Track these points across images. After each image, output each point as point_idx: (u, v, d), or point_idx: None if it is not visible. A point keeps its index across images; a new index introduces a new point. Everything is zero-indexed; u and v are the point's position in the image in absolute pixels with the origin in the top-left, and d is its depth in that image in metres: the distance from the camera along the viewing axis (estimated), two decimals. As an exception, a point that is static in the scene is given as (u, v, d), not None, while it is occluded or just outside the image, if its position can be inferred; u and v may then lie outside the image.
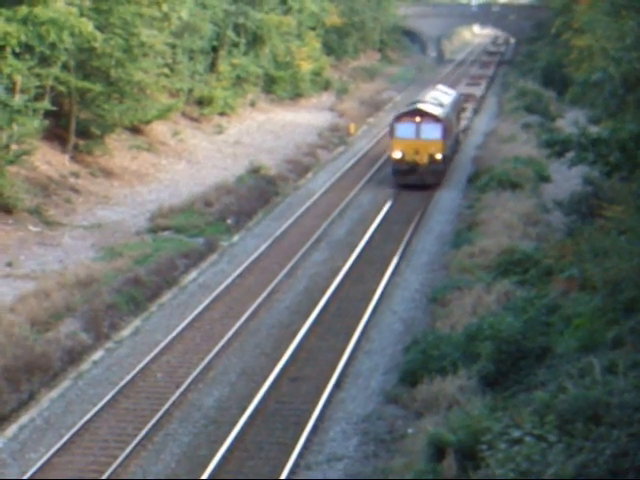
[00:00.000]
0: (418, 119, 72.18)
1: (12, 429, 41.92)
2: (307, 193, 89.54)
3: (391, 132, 77.21)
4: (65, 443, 41.20)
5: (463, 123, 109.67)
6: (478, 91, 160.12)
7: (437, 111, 77.35)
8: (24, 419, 42.92)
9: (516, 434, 34.09)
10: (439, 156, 72.69)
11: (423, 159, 72.43)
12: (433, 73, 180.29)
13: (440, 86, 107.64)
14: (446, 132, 75.37)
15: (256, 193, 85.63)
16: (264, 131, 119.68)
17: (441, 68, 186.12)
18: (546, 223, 67.04)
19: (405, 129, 72.82)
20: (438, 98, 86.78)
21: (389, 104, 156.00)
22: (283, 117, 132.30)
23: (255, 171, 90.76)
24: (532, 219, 69.80)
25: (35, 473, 38.88)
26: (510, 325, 43.57)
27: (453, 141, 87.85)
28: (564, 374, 37.59)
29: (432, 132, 72.96)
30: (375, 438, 42.11)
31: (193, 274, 63.61)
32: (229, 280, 62.03)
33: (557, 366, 39.33)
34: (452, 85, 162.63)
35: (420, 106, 77.53)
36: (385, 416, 43.93)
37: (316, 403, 45.43)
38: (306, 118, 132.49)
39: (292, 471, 39.54)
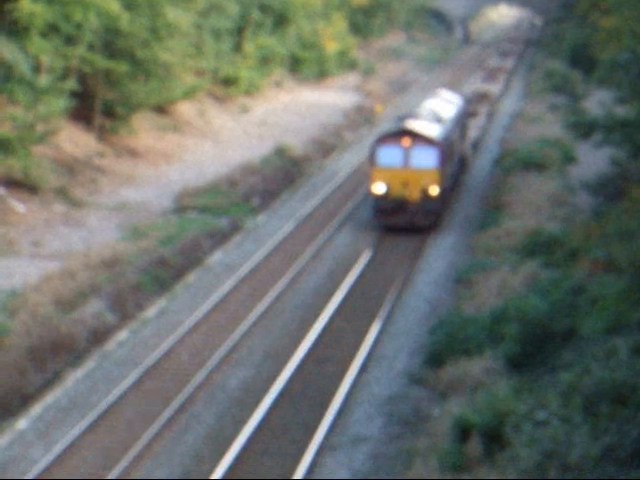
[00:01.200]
0: (407, 142, 57.85)
1: (37, 409, 41.94)
2: (332, 174, 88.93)
3: (371, 158, 60.58)
4: (90, 423, 41.31)
5: (472, 135, 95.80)
6: (495, 89, 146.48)
7: (433, 131, 61.26)
8: (49, 399, 42.92)
9: (541, 416, 34.16)
10: (435, 191, 58.50)
11: (413, 195, 58.18)
12: (459, 54, 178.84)
13: (443, 92, 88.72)
14: (445, 158, 59.83)
15: (281, 173, 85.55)
16: (290, 111, 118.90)
17: (467, 49, 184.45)
18: (572, 204, 65.95)
19: (390, 155, 58.34)
20: (437, 111, 71.41)
21: (415, 85, 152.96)
22: (309, 97, 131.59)
23: (280, 151, 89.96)
24: (558, 200, 68.76)
25: (60, 453, 39.07)
26: (536, 307, 43.60)
27: (456, 166, 73.98)
28: (590, 356, 37.64)
29: (426, 159, 58.71)
30: (400, 419, 42.23)
31: (218, 254, 63.56)
32: (254, 261, 61.93)
33: (583, 348, 39.34)
34: (471, 68, 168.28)
35: (410, 125, 60.42)
36: (410, 397, 43.87)
37: (341, 384, 45.73)
38: (332, 98, 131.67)
39: (317, 452, 39.70)
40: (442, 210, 61.50)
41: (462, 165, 79.91)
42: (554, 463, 30.62)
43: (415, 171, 57.02)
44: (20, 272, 56.17)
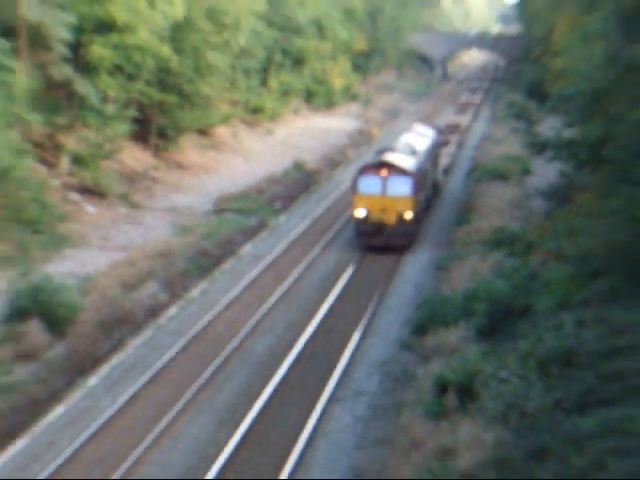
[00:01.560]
0: (385, 173, 56.78)
1: (105, 369, 42.68)
2: (338, 183, 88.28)
3: (354, 187, 58.54)
4: (147, 380, 42.17)
5: (444, 161, 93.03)
6: (465, 120, 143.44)
7: (407, 163, 59.40)
8: (114, 361, 43.63)
9: (504, 375, 34.62)
10: (409, 215, 57.08)
11: (390, 219, 56.89)
12: (439, 88, 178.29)
13: (417, 126, 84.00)
14: (417, 186, 58.08)
15: (298, 183, 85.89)
16: (304, 134, 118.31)
17: (445, 84, 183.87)
18: (529, 208, 65.79)
19: (370, 184, 57.35)
20: (411, 144, 68.47)
21: (404, 113, 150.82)
22: (320, 123, 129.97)
23: (297, 166, 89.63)
24: (517, 204, 69.26)
25: (123, 404, 40.14)
26: (499, 288, 44.79)
27: (429, 191, 71.64)
28: (542, 328, 38.05)
29: (401, 188, 57.38)
30: (392, 377, 43.09)
31: (248, 247, 64.13)
32: (277, 252, 62.52)
33: (537, 321, 39.79)
34: (449, 99, 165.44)
35: (387, 158, 58.90)
36: (400, 360, 44.70)
37: (345, 350, 46.66)
38: (338, 123, 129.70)
39: (327, 402, 40.91)
40: (415, 231, 60.10)
41: (435, 190, 78.01)
42: (514, 412, 31.05)
43: (391, 198, 55.94)
44: (91, 261, 57.19)
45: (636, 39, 35.14)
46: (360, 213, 57.00)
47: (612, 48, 39.55)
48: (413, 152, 63.71)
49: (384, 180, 55.80)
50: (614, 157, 36.83)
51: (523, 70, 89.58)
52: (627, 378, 28.19)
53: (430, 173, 70.31)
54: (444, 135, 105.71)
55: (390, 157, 59.18)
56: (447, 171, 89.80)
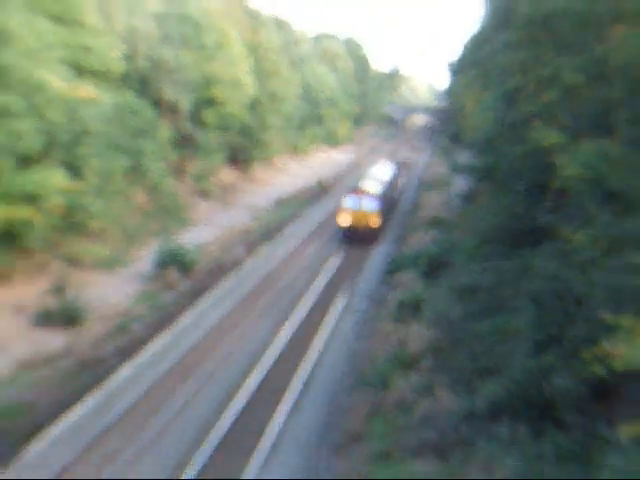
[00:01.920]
0: (360, 194, 56.65)
1: (212, 294, 43.12)
2: (341, 188, 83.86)
3: (340, 205, 58.20)
4: (236, 302, 42.32)
5: (402, 181, 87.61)
6: (414, 156, 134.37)
7: (375, 189, 58.99)
8: (215, 292, 43.76)
9: (436, 298, 35.90)
10: (376, 224, 57.06)
11: (362, 225, 56.99)
12: (400, 135, 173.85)
13: (383, 161, 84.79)
14: (382, 204, 57.67)
15: (320, 190, 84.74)
16: (323, 162, 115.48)
17: (403, 133, 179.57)
18: (451, 205, 64.63)
19: (351, 202, 56.40)
20: (378, 174, 68.09)
21: (381, 149, 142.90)
22: (331, 155, 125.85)
23: (319, 182, 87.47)
24: (444, 203, 68.94)
25: (224, 313, 40.19)
26: (434, 250, 45.48)
27: (390, 205, 68.22)
28: (458, 272, 38.90)
29: (370, 205, 56.65)
30: (374, 301, 43.51)
31: (290, 227, 63.59)
32: (307, 230, 62.55)
33: (455, 269, 40.67)
34: (405, 142, 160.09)
35: (362, 185, 58.85)
36: (379, 291, 45.29)
37: (344, 286, 46.30)
38: (342, 156, 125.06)
39: (338, 318, 40.61)
40: (379, 232, 59.03)
41: (394, 204, 74.75)
42: (442, 319, 32.10)
43: (364, 212, 56.10)
44: (203, 235, 57.29)
45: (512, 110, 35.88)
46: (343, 222, 56.95)
47: (498, 114, 40.32)
48: (380, 180, 63.73)
49: (359, 200, 55.93)
50: (497, 176, 37.75)
51: (448, 126, 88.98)
52: (506, 299, 29.14)
53: (390, 194, 68.26)
54: (401, 166, 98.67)
55: (364, 184, 59.53)
56: (401, 192, 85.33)
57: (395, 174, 77.06)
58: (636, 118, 22.40)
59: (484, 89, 57.42)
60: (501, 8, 40.15)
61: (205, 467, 24.65)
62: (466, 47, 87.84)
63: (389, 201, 66.82)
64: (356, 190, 57.87)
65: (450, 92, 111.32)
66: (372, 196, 57.47)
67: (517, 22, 34.88)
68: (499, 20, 42.50)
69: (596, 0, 27.17)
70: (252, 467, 24.74)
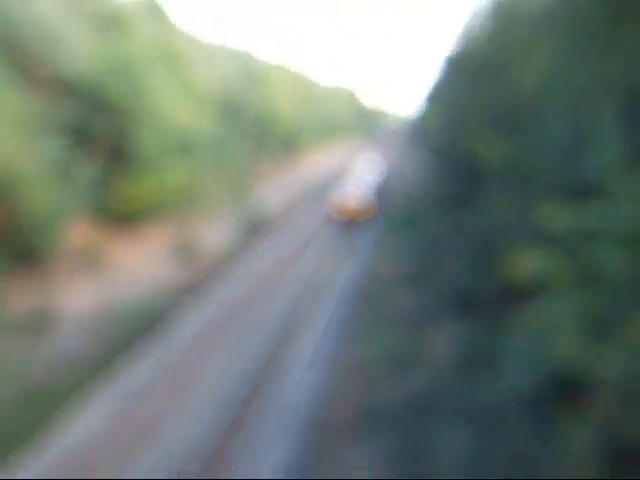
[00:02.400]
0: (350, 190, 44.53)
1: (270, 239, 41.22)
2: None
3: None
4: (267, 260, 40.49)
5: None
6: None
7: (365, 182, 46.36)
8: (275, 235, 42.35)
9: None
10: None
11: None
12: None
13: (371, 155, 70.19)
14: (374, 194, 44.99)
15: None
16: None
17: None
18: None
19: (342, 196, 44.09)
20: (366, 169, 53.10)
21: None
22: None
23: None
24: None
25: (252, 258, 37.88)
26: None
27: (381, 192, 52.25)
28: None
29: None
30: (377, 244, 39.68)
31: None
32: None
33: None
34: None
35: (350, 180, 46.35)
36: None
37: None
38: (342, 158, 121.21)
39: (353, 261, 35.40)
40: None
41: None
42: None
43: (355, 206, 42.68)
44: (268, 201, 53.26)
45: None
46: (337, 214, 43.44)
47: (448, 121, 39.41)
48: (369, 174, 48.95)
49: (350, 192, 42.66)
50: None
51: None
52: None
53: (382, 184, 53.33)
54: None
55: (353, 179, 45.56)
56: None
57: (383, 169, 61.77)
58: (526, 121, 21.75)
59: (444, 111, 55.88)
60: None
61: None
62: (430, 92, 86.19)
63: (381, 190, 52.47)
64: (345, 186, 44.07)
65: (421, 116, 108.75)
66: (364, 189, 44.05)
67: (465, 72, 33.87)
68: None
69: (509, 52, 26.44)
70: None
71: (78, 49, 32.96)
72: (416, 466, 13.19)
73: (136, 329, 22.63)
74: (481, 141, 23.40)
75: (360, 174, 49.29)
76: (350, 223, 44.18)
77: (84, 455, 12.75)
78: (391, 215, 45.91)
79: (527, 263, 9.34)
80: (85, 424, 14.09)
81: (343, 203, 44.49)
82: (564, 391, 9.83)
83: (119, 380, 16.86)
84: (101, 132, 31.78)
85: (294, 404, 16.37)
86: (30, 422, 13.83)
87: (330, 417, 16.11)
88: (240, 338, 22.20)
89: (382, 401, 16.69)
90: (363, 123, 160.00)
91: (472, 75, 31.92)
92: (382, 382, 18.00)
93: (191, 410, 15.16)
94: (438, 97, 62.13)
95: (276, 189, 62.26)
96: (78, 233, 31.53)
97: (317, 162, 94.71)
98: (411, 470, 13.00)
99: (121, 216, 35.26)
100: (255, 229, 43.54)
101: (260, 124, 67.55)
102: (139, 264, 32.59)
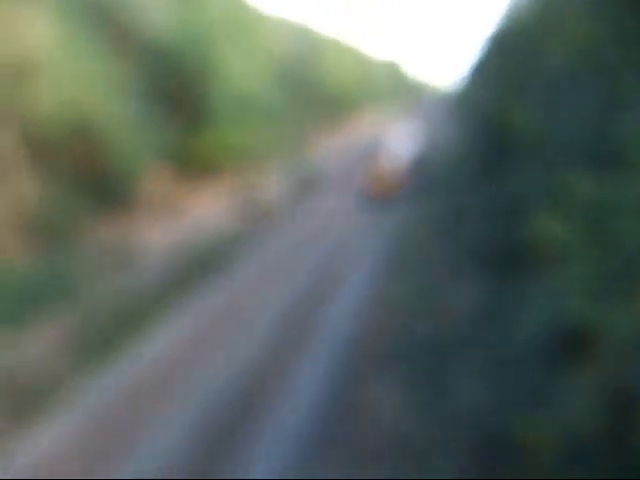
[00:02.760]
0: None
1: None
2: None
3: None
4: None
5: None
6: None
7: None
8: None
9: None
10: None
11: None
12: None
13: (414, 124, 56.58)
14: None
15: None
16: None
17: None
18: None
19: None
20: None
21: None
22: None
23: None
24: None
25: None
26: None
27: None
28: None
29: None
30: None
31: None
32: None
33: None
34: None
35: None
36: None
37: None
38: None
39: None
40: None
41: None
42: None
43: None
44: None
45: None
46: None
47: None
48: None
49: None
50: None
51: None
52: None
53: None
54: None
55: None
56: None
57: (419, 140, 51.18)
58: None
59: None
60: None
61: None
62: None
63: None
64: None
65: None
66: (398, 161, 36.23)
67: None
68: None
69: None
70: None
71: (158, 17, 33.36)
72: (436, 402, 13.13)
73: (203, 263, 22.99)
74: (516, 114, 22.40)
75: (395, 146, 42.19)
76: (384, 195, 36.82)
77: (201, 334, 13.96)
78: (426, 180, 42.08)
79: (549, 228, 9.07)
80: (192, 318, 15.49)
81: (377, 176, 37.07)
82: (575, 345, 9.63)
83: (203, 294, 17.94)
84: (178, 92, 31.85)
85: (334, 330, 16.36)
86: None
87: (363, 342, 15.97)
88: (289, 276, 21.49)
89: (407, 340, 16.62)
90: (407, 95, 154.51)
91: (513, 52, 30.41)
92: (409, 324, 17.86)
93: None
94: (479, 72, 59.98)
95: (327, 151, 60.53)
96: (155, 180, 31.97)
97: (364, 130, 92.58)
98: (431, 406, 12.95)
99: (193, 167, 35.60)
100: (309, 184, 42.48)
101: (314, 92, 66.26)
102: (207, 210, 32.98)
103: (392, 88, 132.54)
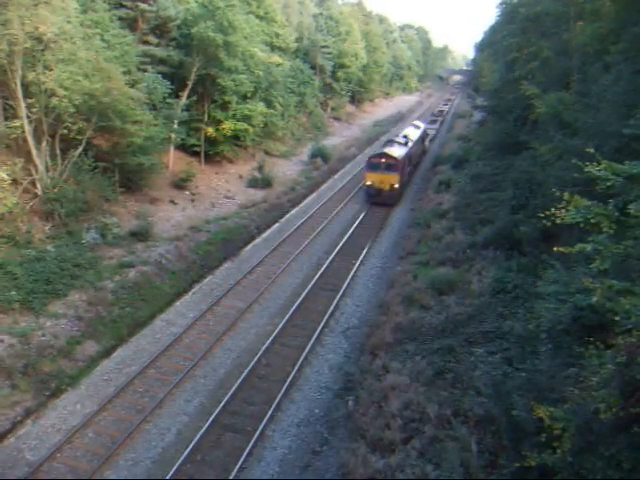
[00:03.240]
0: (383, 160, 33.51)
1: (339, 173, 40.99)
2: (411, 116, 78.71)
3: (366, 167, 34.86)
4: (351, 177, 40.43)
5: (431, 134, 58.06)
6: (453, 97, 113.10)
7: (397, 153, 35.21)
8: (342, 171, 42.46)
9: (459, 179, 34.14)
10: (396, 185, 33.81)
11: (385, 187, 33.75)
12: (444, 86, 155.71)
13: (416, 122, 54.97)
14: (403, 167, 34.50)
15: (400, 116, 77.10)
16: (402, 101, 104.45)
17: (446, 86, 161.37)
18: (470, 127, 58.46)
19: (374, 165, 33.96)
20: (408, 134, 42.47)
21: (435, 94, 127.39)
22: (407, 98, 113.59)
23: (399, 112, 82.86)
24: (467, 126, 61.99)
25: (345, 181, 38.14)
26: (458, 152, 42.02)
27: (416, 160, 43.71)
28: (473, 166, 36.54)
29: (392, 169, 33.33)
30: (424, 179, 40.31)
31: (382, 136, 57.93)
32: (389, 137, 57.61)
33: (470, 164, 37.95)
34: (448, 90, 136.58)
35: (386, 150, 35.24)
36: (427, 174, 41.96)
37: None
38: (413, 98, 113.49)
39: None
40: (401, 194, 35.56)
41: (423, 154, 48.97)
42: (461, 192, 30.76)
43: (386, 175, 33.83)
44: (335, 140, 53.97)
45: (510, 72, 33.44)
46: (368, 182, 34.31)
47: (502, 75, 37.69)
48: (406, 143, 38.71)
49: (382, 163, 33.79)
50: (498, 111, 35.59)
51: (473, 81, 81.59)
52: (498, 182, 27.91)
53: (417, 150, 43.98)
54: (435, 115, 75.70)
55: (387, 149, 36.11)
56: (432, 139, 58.23)
57: (425, 130, 50.78)
58: (584, 79, 20.81)
59: (494, 60, 53.38)
60: (508, 10, 36.62)
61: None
62: (485, 33, 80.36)
63: (415, 159, 42.40)
64: (379, 155, 34.94)
65: (474, 61, 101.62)
66: (394, 160, 34.19)
67: (517, 18, 32.18)
68: (506, 17, 38.69)
69: (567, 5, 24.94)
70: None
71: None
72: (449, 376, 13.49)
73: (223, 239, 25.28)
74: (532, 90, 22.33)
75: (398, 141, 40.04)
76: (378, 196, 34.93)
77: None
78: (445, 156, 44.70)
79: (570, 208, 9.10)
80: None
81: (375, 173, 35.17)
82: (591, 328, 9.76)
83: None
84: (193, 72, 31.90)
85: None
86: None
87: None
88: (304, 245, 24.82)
89: (425, 318, 16.95)
90: (429, 62, 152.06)
91: (526, 26, 30.15)
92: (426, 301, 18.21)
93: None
94: (492, 43, 59.76)
95: (342, 133, 60.89)
96: (172, 163, 32.47)
97: (382, 108, 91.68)
98: (444, 381, 13.32)
99: (208, 150, 35.92)
100: (322, 164, 43.08)
101: (333, 71, 65.59)
102: (220, 191, 33.44)
103: (415, 56, 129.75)
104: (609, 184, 8.79)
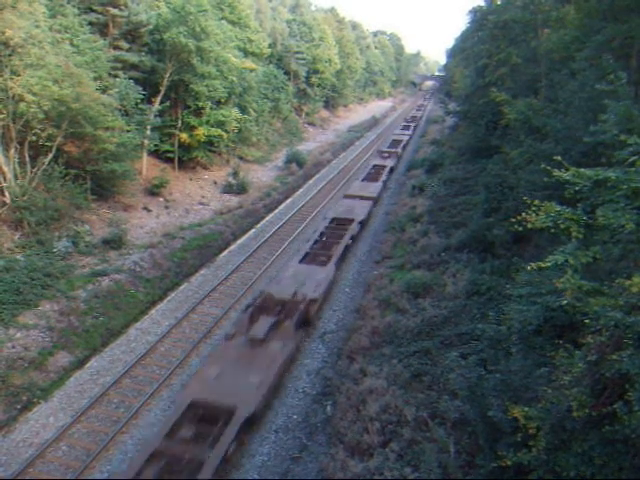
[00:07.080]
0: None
1: (314, 178, 41.13)
2: (385, 121, 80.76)
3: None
4: (326, 182, 40.28)
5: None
6: (425, 102, 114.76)
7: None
8: (317, 176, 42.30)
9: (433, 183, 34.31)
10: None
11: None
12: (417, 91, 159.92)
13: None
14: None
15: (374, 122, 77.93)
16: (375, 107, 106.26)
17: (419, 91, 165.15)
18: (444, 132, 59.19)
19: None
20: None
21: (407, 100, 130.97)
22: (380, 103, 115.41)
23: (374, 117, 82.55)
24: (440, 131, 61.85)
25: (320, 187, 37.97)
26: (432, 157, 42.00)
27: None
28: (446, 170, 36.95)
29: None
30: (398, 184, 40.27)
31: (356, 142, 59.89)
32: (365, 142, 58.33)
33: (444, 168, 38.44)
34: (420, 95, 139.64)
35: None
36: (401, 179, 41.84)
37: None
38: (386, 104, 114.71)
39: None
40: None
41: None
42: (435, 196, 31.18)
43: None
44: (309, 146, 53.84)
45: (480, 78, 34.02)
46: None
47: (472, 81, 38.25)
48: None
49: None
50: (470, 116, 36.09)
51: (445, 87, 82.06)
52: (470, 186, 28.25)
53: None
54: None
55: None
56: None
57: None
58: (552, 85, 21.29)
59: (465, 66, 54.35)
60: (478, 17, 37.31)
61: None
62: (457, 40, 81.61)
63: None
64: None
65: (446, 67, 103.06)
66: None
67: (487, 26, 32.82)
68: (476, 24, 39.36)
69: (534, 13, 25.54)
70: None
71: (147, 1, 33.30)
72: (425, 378, 13.58)
73: (199, 244, 24.84)
74: (501, 96, 22.78)
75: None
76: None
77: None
78: (419, 161, 44.84)
79: (540, 213, 9.25)
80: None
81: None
82: (562, 328, 9.95)
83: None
84: (165, 78, 31.63)
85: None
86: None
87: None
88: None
89: (401, 321, 17.01)
90: (402, 67, 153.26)
91: (495, 33, 30.81)
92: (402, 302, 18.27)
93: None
94: (463, 49, 60.89)
95: (317, 139, 61.03)
96: (145, 170, 32.07)
97: (356, 113, 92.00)
98: (421, 383, 13.40)
99: (182, 155, 35.57)
100: (298, 170, 43.10)
101: (307, 76, 65.81)
102: (195, 197, 33.14)
103: (387, 62, 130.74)
104: (577, 188, 8.96)
